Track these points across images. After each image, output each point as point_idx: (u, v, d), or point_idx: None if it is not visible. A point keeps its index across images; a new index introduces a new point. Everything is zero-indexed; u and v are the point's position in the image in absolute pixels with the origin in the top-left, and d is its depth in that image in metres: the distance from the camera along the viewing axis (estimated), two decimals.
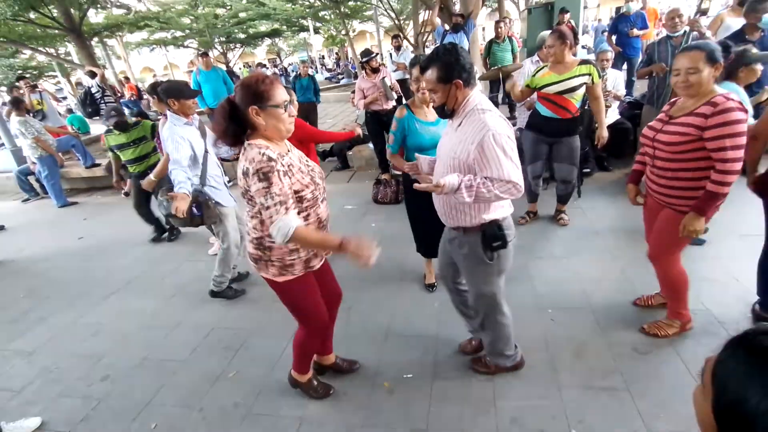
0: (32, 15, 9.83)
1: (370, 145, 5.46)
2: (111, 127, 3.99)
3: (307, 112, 6.47)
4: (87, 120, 8.15)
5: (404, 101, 2.61)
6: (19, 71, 17.34)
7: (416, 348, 2.45)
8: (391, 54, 7.40)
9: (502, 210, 1.78)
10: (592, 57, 5.25)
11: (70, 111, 12.26)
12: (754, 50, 2.70)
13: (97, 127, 9.12)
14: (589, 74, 3.04)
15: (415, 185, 1.70)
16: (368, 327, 2.66)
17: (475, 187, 1.56)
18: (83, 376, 2.57)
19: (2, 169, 7.42)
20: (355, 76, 14.43)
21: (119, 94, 7.99)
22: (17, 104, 5.89)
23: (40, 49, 12.05)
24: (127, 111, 5.74)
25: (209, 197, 2.86)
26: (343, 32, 20.27)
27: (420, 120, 2.49)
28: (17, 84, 7.31)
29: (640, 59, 6.43)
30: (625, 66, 6.59)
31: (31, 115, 6.21)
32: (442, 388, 2.15)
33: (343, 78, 17.66)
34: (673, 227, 1.98)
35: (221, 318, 2.99)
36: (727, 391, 0.56)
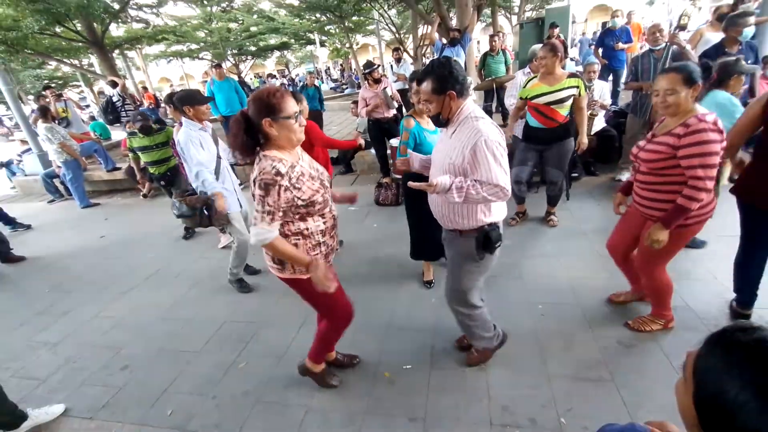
0: (58, 29, 9.84)
1: (372, 150, 5.45)
2: (136, 131, 4.01)
3: (313, 120, 6.45)
4: (108, 127, 8.15)
5: (404, 110, 2.62)
6: (46, 81, 17.39)
7: (415, 341, 2.44)
8: (392, 65, 7.40)
9: (499, 214, 1.78)
10: (580, 69, 5.26)
11: (92, 118, 12.27)
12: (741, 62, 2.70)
13: (117, 134, 9.14)
14: (577, 87, 3.05)
15: (410, 183, 1.71)
16: (370, 321, 2.65)
17: (465, 188, 1.56)
18: (104, 366, 2.58)
19: (29, 172, 7.46)
20: (358, 86, 14.44)
21: (138, 103, 7.99)
22: (44, 112, 5.90)
23: (65, 60, 12.06)
24: None
25: None
26: (347, 45, 20.28)
27: (429, 130, 2.53)
28: (44, 93, 7.31)
29: (624, 71, 6.44)
30: (610, 77, 6.58)
31: (57, 122, 6.22)
32: (439, 378, 2.15)
33: (347, 88, 17.66)
34: None
35: (233, 312, 2.99)
36: (707, 384, 0.56)
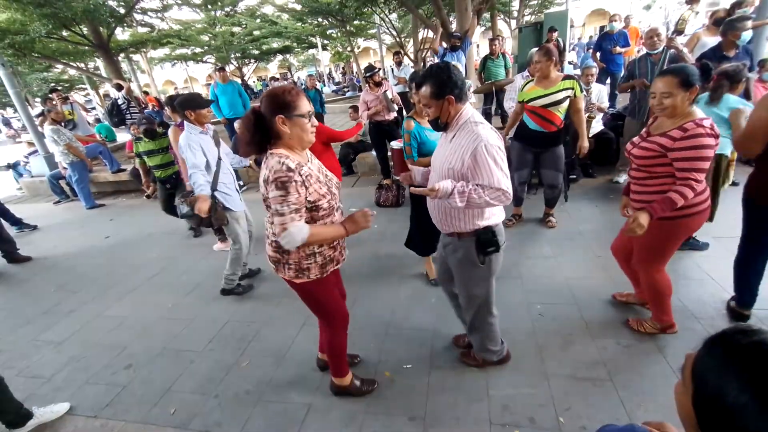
0: (65, 33, 9.89)
1: (373, 152, 5.45)
2: (141, 135, 4.02)
3: None
4: (113, 129, 8.17)
5: (405, 113, 2.63)
6: (52, 84, 17.45)
7: (415, 340, 2.43)
8: (392, 69, 7.40)
9: (495, 217, 1.76)
10: (578, 72, 5.25)
11: (98, 121, 12.31)
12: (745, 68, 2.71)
13: (122, 136, 9.16)
14: (572, 88, 3.05)
15: (411, 188, 1.72)
16: (371, 321, 2.65)
17: (467, 193, 1.55)
18: (108, 365, 2.57)
19: (36, 174, 7.48)
20: (359, 89, 14.45)
21: (143, 106, 8.00)
22: (50, 114, 5.91)
23: (71, 63, 12.11)
24: None
25: (219, 201, 2.86)
26: (349, 49, 20.35)
27: (429, 129, 2.52)
28: (50, 96, 7.33)
29: (622, 74, 6.44)
30: (608, 80, 6.58)
31: (63, 124, 6.23)
32: (439, 377, 2.14)
33: (348, 91, 17.66)
34: (652, 235, 1.93)
35: (235, 311, 2.99)
36: (706, 386, 0.55)
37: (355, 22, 17.78)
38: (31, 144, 7.51)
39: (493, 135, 1.58)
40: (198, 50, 19.05)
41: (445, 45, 6.68)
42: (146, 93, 14.23)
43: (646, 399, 1.86)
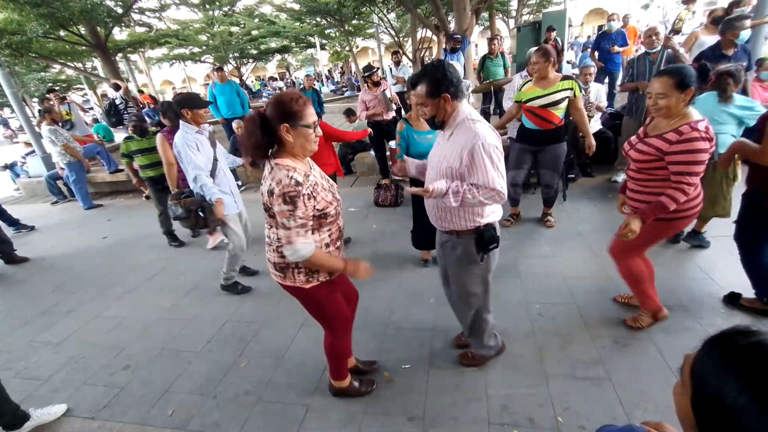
0: (62, 33, 9.86)
1: (372, 152, 5.45)
2: (131, 133, 4.00)
3: None
4: (111, 129, 8.15)
5: (403, 112, 2.69)
6: (50, 84, 17.42)
7: (414, 340, 2.43)
8: (391, 68, 7.41)
9: (494, 214, 1.76)
10: (576, 72, 5.25)
11: (95, 121, 12.29)
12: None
13: (120, 136, 9.10)
14: (571, 89, 3.05)
15: (407, 189, 1.74)
16: (370, 321, 2.64)
17: (461, 193, 1.55)
18: (106, 366, 2.56)
19: (33, 174, 7.45)
20: (358, 89, 14.44)
21: (141, 105, 7.99)
22: (48, 114, 5.89)
23: (68, 63, 12.09)
24: (148, 120, 5.72)
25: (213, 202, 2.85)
26: (347, 48, 20.32)
27: (417, 131, 2.69)
28: (48, 96, 7.30)
29: (620, 73, 6.44)
30: (606, 80, 6.58)
31: (60, 124, 6.20)
32: (438, 377, 2.13)
33: (346, 90, 17.65)
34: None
35: (234, 312, 2.98)
36: (705, 387, 0.55)
37: (354, 22, 17.76)
38: (28, 144, 7.48)
39: (491, 133, 1.58)
40: (196, 50, 19.03)
41: (445, 45, 6.68)
42: (141, 92, 14.20)
43: (644, 399, 1.86)
